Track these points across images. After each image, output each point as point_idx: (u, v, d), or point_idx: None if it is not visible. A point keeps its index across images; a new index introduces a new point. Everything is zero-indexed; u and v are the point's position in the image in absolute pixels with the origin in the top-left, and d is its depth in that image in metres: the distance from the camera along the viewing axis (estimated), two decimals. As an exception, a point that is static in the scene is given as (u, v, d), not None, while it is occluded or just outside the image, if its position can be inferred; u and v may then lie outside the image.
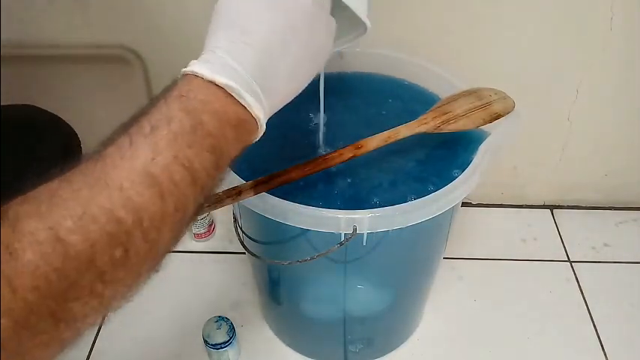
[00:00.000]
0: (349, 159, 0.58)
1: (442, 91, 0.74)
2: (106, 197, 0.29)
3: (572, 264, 0.99)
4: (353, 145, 0.59)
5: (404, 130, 0.62)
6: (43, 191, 0.29)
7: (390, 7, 0.83)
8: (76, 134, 0.69)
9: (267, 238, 0.68)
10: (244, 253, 0.72)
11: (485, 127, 0.64)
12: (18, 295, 0.26)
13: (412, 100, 0.77)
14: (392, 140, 0.61)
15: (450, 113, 0.64)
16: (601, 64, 0.89)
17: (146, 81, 0.90)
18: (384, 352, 0.85)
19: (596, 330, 0.88)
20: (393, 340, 0.86)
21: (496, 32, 0.86)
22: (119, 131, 0.34)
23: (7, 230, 0.27)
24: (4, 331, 0.26)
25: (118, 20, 0.85)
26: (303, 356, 0.85)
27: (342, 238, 0.57)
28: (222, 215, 1.04)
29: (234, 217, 0.72)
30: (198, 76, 0.36)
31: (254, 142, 0.39)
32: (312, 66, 0.42)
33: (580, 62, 0.89)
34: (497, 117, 0.64)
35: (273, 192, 0.57)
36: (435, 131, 0.63)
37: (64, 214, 0.28)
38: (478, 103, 0.65)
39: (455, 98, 0.66)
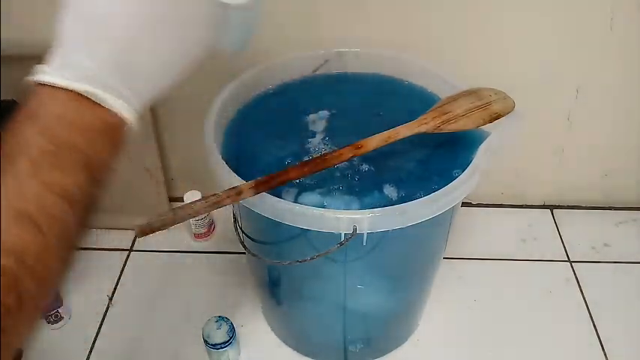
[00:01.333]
0: (349, 159, 0.58)
1: (442, 91, 0.74)
2: None
3: (572, 264, 0.99)
4: (353, 145, 0.59)
5: (404, 130, 0.62)
6: None
7: (390, 7, 0.83)
8: None
9: (267, 238, 0.68)
10: (244, 253, 0.72)
11: (485, 127, 0.64)
12: None
13: (412, 100, 0.77)
14: (392, 140, 0.61)
15: (450, 113, 0.64)
16: (601, 64, 0.89)
17: (146, 81, 0.90)
18: (384, 352, 0.85)
19: (596, 330, 0.88)
20: (393, 340, 0.86)
21: (496, 32, 0.86)
22: None
23: None
24: None
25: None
26: (303, 356, 0.85)
27: (342, 238, 0.57)
28: (222, 215, 1.04)
29: (234, 217, 0.72)
30: (48, 86, 0.33)
31: (129, 140, 0.36)
32: (185, 60, 0.38)
33: (580, 62, 0.89)
34: (498, 117, 0.64)
35: (273, 192, 0.57)
36: (435, 131, 0.62)
37: None
38: (478, 103, 0.65)
39: (455, 98, 0.66)
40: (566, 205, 1.10)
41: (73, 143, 0.31)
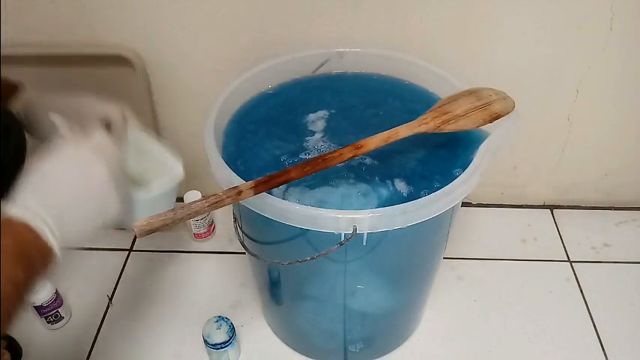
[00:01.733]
0: (349, 159, 0.58)
1: (442, 91, 0.74)
2: None
3: (572, 264, 0.99)
4: (353, 145, 0.59)
5: (404, 130, 0.62)
6: None
7: (390, 8, 0.83)
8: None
9: (267, 238, 0.68)
10: (244, 253, 0.72)
11: (486, 127, 0.64)
12: None
13: (412, 100, 0.77)
14: (392, 140, 0.61)
15: (450, 113, 0.64)
16: (601, 64, 0.89)
17: (146, 81, 0.90)
18: (384, 352, 0.85)
19: (596, 330, 0.88)
20: (393, 340, 0.86)
21: (496, 32, 0.86)
22: None
23: None
24: None
25: (118, 20, 0.85)
26: (303, 356, 0.85)
27: (342, 238, 0.57)
28: (222, 215, 1.04)
29: (234, 217, 0.72)
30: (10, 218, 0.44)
31: (50, 266, 0.46)
32: (100, 219, 0.50)
33: (580, 62, 0.89)
34: (497, 117, 0.64)
35: (273, 192, 0.57)
36: (435, 131, 0.63)
37: None
38: (478, 104, 0.65)
39: (455, 98, 0.66)
40: (566, 205, 1.10)
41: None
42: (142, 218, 0.49)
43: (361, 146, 0.59)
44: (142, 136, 0.72)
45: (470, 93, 0.67)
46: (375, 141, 0.60)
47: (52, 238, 0.45)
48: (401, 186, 0.64)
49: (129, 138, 0.72)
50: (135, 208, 0.62)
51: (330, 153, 0.58)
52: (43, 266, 0.45)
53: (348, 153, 0.58)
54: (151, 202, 0.64)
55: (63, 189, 0.48)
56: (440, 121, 0.63)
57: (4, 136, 0.64)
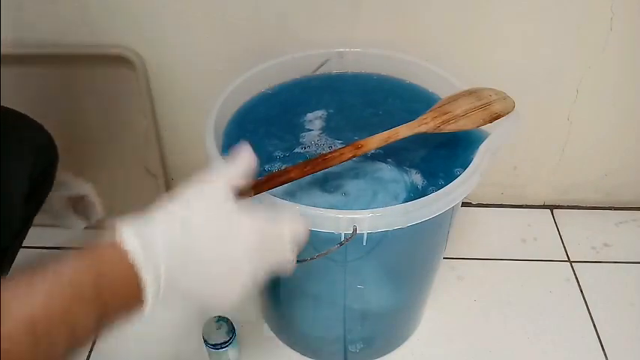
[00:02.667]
0: (349, 159, 0.58)
1: (442, 91, 0.74)
2: None
3: (572, 264, 0.99)
4: (353, 144, 0.58)
5: (404, 130, 0.62)
6: None
7: (391, 7, 0.83)
8: (50, 136, 0.70)
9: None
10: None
11: (486, 127, 0.64)
12: None
13: (412, 100, 0.77)
14: (392, 140, 0.61)
15: (450, 113, 0.64)
16: (601, 64, 0.89)
17: (146, 81, 0.90)
18: (384, 352, 0.85)
19: (596, 330, 0.88)
20: (393, 340, 0.86)
21: (496, 32, 0.86)
22: (24, 273, 0.35)
23: None
24: None
25: (118, 20, 0.85)
26: (303, 356, 0.85)
27: (342, 238, 0.57)
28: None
29: (234, 217, 0.72)
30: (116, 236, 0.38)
31: (141, 314, 0.39)
32: (221, 297, 0.42)
33: (580, 62, 0.89)
34: (497, 117, 0.64)
35: (273, 192, 0.57)
36: (435, 131, 0.63)
37: None
38: (478, 104, 0.65)
39: (455, 98, 0.66)
40: (566, 205, 1.10)
41: (102, 286, 0.36)
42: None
43: (361, 146, 0.59)
44: None
45: (470, 93, 0.67)
46: (375, 141, 0.60)
47: (149, 277, 0.37)
48: (400, 186, 0.64)
49: None
50: None
51: (330, 153, 0.57)
52: (123, 309, 0.38)
53: (348, 153, 0.58)
54: None
55: (198, 235, 0.39)
56: (440, 121, 0.63)
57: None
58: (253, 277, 0.42)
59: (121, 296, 0.37)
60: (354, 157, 0.58)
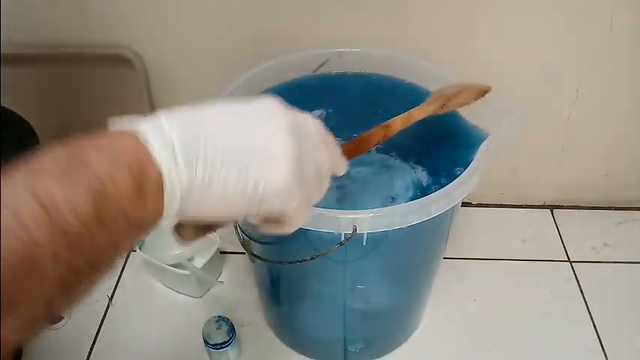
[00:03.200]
0: (382, 139, 0.58)
1: (442, 91, 0.74)
2: None
3: (572, 264, 0.99)
4: (381, 125, 0.59)
5: (417, 112, 0.63)
6: None
7: (390, 7, 0.83)
8: (34, 131, 0.68)
9: (268, 238, 0.68)
10: (244, 253, 0.72)
11: (485, 128, 0.64)
12: None
13: (412, 100, 0.76)
14: (410, 122, 0.62)
15: (449, 94, 0.65)
16: (601, 63, 0.89)
17: (146, 81, 0.90)
18: (384, 352, 0.85)
19: (596, 330, 0.88)
20: (393, 340, 0.86)
21: (496, 32, 0.86)
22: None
23: None
24: None
25: (118, 20, 0.85)
26: (303, 356, 0.85)
27: (342, 238, 0.57)
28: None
29: (234, 217, 0.72)
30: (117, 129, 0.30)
31: (159, 219, 0.30)
32: (254, 186, 0.32)
33: (580, 62, 0.89)
34: (487, 91, 0.66)
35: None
36: (443, 110, 0.64)
37: None
38: (466, 85, 0.67)
39: (443, 88, 0.68)
40: (566, 205, 1.10)
41: (95, 166, 0.27)
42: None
43: (389, 125, 0.59)
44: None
45: (452, 85, 0.69)
46: (398, 122, 0.61)
47: (170, 176, 0.28)
48: (399, 186, 0.64)
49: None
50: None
51: (363, 134, 0.57)
52: (140, 207, 0.28)
53: (380, 131, 0.58)
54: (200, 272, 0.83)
55: (219, 119, 0.32)
56: (444, 99, 0.64)
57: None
58: (299, 155, 0.34)
59: (122, 173, 0.27)
60: (386, 136, 0.59)
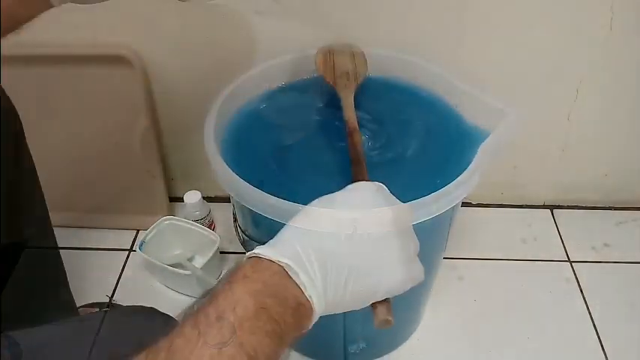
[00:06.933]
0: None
1: (442, 91, 0.74)
2: None
3: (572, 264, 0.99)
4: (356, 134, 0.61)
5: (349, 107, 0.67)
6: None
7: (391, 8, 0.83)
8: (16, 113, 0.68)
9: (267, 238, 0.68)
10: (244, 253, 0.72)
11: (485, 128, 0.64)
12: None
13: (411, 100, 0.77)
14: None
15: (348, 72, 0.73)
16: (601, 63, 0.89)
17: (146, 81, 0.90)
18: (384, 352, 0.85)
19: (596, 330, 0.88)
20: (393, 340, 0.86)
21: (496, 32, 0.86)
22: (187, 320, 0.35)
23: None
24: None
25: (118, 20, 0.85)
26: (303, 356, 0.85)
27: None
28: (222, 215, 1.04)
29: (234, 217, 0.72)
30: (261, 258, 0.39)
31: (309, 328, 0.40)
32: (376, 290, 0.43)
33: (580, 62, 0.89)
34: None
35: (272, 192, 0.57)
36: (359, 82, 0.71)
37: None
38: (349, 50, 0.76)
39: (331, 59, 0.76)
40: (566, 205, 1.10)
41: (273, 314, 0.36)
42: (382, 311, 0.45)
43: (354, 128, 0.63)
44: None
45: (328, 51, 0.77)
46: (353, 118, 0.65)
47: (312, 289, 0.39)
48: (399, 186, 0.64)
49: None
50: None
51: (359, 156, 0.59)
52: (298, 330, 0.39)
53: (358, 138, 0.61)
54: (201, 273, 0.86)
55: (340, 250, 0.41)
56: (351, 79, 0.71)
57: None
58: (407, 255, 0.43)
59: (289, 314, 0.37)
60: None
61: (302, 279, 0.38)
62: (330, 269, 0.39)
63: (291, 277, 0.38)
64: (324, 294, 0.39)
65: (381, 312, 0.44)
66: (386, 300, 0.44)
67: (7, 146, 0.63)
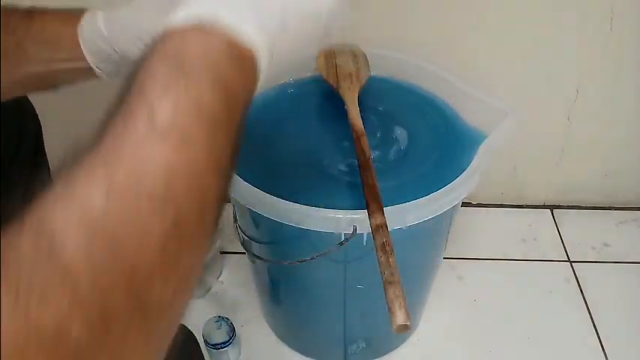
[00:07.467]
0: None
1: (442, 92, 0.74)
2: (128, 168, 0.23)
3: (572, 264, 0.99)
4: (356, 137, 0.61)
5: (354, 107, 0.67)
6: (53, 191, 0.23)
7: (391, 8, 0.83)
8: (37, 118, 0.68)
9: (267, 238, 0.68)
10: (244, 253, 0.72)
11: (485, 128, 0.64)
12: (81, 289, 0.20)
13: (411, 100, 0.77)
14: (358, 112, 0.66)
15: (350, 73, 0.73)
16: (601, 64, 0.89)
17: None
18: (384, 352, 0.85)
19: (596, 330, 0.88)
20: (393, 340, 0.86)
21: (496, 32, 0.86)
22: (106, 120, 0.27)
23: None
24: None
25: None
26: (303, 356, 0.85)
27: (342, 238, 0.57)
28: (223, 215, 1.04)
29: (235, 218, 0.72)
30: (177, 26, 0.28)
31: (258, 83, 0.30)
32: (318, 15, 0.36)
33: (580, 62, 0.89)
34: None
35: (272, 192, 0.57)
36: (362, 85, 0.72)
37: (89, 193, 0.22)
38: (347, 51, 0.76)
39: (333, 61, 0.75)
40: (566, 205, 1.10)
41: (200, 65, 0.26)
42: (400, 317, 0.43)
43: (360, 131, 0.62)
44: None
45: (330, 54, 0.76)
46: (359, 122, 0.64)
47: (256, 39, 0.28)
48: (400, 186, 0.64)
49: None
50: None
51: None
52: (246, 90, 0.29)
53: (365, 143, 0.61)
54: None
55: None
56: (354, 81, 0.71)
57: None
58: None
59: (222, 60, 0.27)
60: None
61: (229, 21, 0.27)
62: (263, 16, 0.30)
63: (218, 27, 0.27)
64: (260, 27, 0.29)
65: (400, 317, 0.43)
66: (403, 303, 0.43)
67: (28, 148, 0.63)
